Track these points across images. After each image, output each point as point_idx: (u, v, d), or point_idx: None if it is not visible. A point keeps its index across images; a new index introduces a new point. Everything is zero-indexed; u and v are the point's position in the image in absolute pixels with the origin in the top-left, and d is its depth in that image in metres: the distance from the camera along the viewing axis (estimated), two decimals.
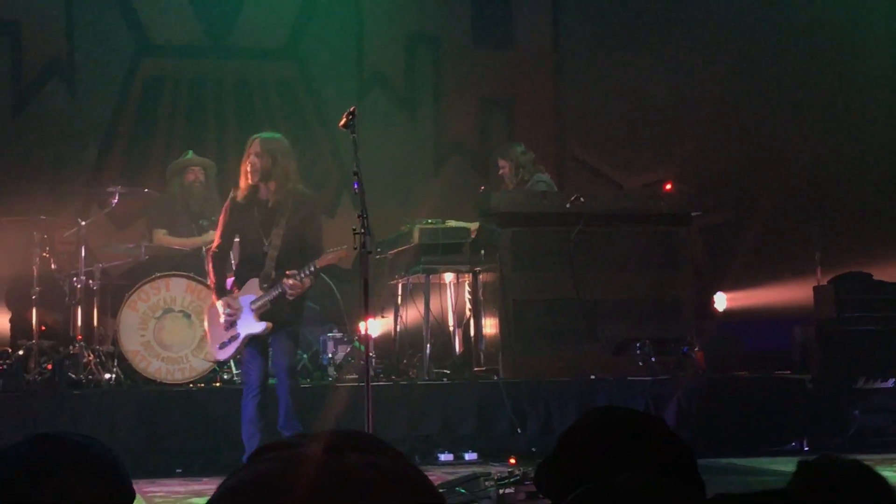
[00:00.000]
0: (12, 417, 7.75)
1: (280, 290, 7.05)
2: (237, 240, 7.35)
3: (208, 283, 8.18)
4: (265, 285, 7.11)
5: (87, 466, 1.87)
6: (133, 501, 1.93)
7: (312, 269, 7.00)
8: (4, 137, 10.63)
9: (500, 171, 9.60)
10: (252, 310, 7.13)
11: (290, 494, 0.99)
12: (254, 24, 11.32)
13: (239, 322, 7.17)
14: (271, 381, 7.35)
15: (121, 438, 7.85)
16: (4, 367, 8.32)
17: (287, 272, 6.98)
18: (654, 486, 1.35)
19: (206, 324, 7.49)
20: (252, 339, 7.15)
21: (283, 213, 7.08)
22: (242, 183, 7.15)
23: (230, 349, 7.25)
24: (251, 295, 7.15)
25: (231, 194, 7.26)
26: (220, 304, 7.16)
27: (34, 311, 8.60)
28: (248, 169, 7.10)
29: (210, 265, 7.26)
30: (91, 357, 8.42)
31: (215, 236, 7.36)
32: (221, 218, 7.29)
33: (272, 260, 7.09)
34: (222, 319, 7.16)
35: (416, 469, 1.06)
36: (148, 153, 10.92)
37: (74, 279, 8.65)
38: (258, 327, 7.17)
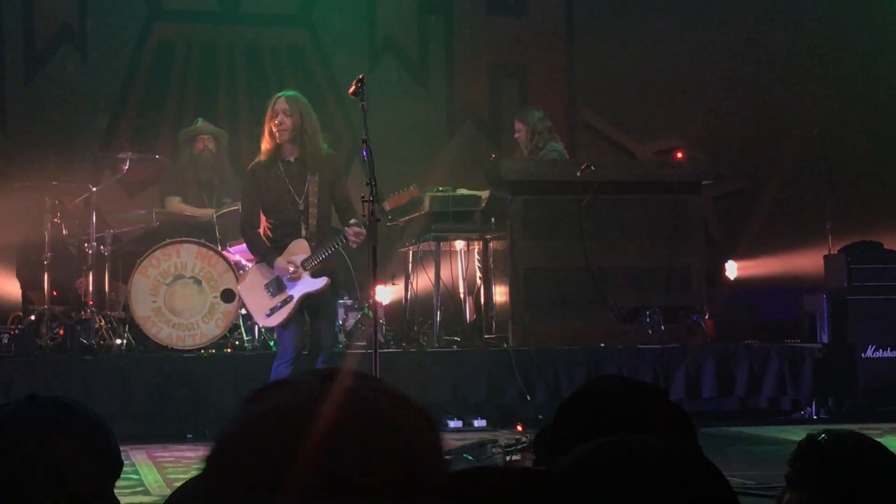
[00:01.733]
0: (24, 382, 7.80)
1: (336, 243, 6.97)
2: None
3: (245, 253, 7.98)
4: (313, 243, 7.03)
5: (73, 427, 1.88)
6: (120, 469, 1.94)
7: (379, 214, 6.79)
8: (17, 104, 10.63)
9: (516, 135, 9.58)
10: (304, 268, 7.03)
11: (313, 419, 1.06)
12: None
13: (289, 284, 7.05)
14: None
15: (131, 404, 7.92)
16: (17, 331, 8.36)
17: (350, 221, 6.92)
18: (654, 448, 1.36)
19: (243, 295, 7.34)
20: (302, 301, 7.06)
21: (314, 170, 7.00)
22: (267, 144, 7.00)
23: (283, 313, 7.06)
24: (300, 255, 7.03)
25: (253, 163, 7.16)
26: (279, 266, 6.98)
27: (46, 276, 8.64)
28: (276, 128, 6.94)
29: (247, 237, 7.22)
30: (102, 323, 8.47)
31: (242, 208, 7.25)
32: (244, 185, 7.23)
33: (314, 217, 7.03)
34: (287, 277, 6.99)
35: (407, 394, 1.14)
36: (159, 120, 10.92)
37: (86, 245, 8.68)
38: (317, 284, 7.04)
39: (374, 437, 1.06)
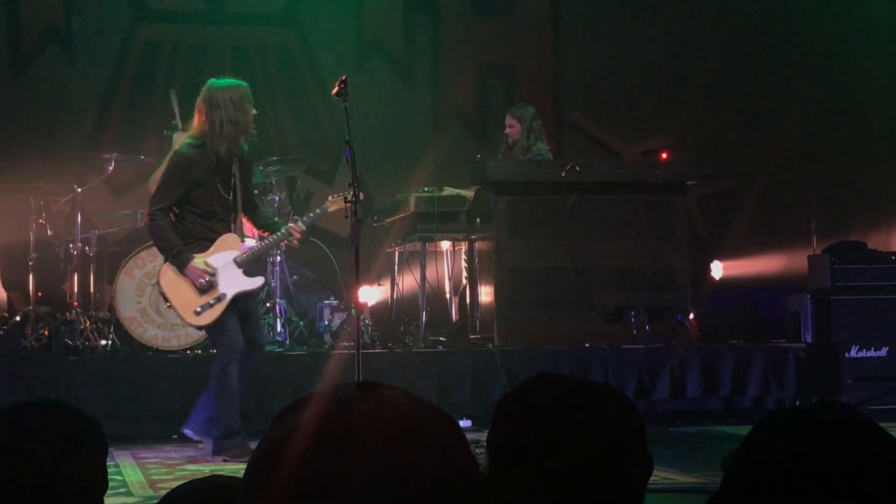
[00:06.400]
0: (9, 383, 7.79)
1: (276, 239, 6.85)
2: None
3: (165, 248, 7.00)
4: (241, 240, 6.85)
5: (98, 439, 1.88)
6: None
7: (319, 212, 6.77)
8: (2, 104, 10.62)
9: (508, 129, 9.53)
10: (238, 265, 6.79)
11: (352, 427, 1.08)
12: None
13: (222, 281, 6.73)
14: None
15: (116, 404, 7.91)
16: (1, 332, 8.36)
17: (290, 219, 6.82)
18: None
19: (166, 290, 6.80)
20: (235, 299, 6.77)
21: (238, 165, 6.78)
22: (212, 133, 6.63)
23: (215, 312, 6.73)
24: (231, 251, 6.78)
25: (187, 147, 6.73)
26: (196, 267, 6.63)
27: (31, 277, 8.64)
28: (249, 123, 6.73)
29: (160, 226, 6.67)
30: (87, 323, 8.47)
31: (162, 194, 6.70)
32: (174, 172, 6.70)
33: (239, 211, 6.84)
34: (202, 281, 6.65)
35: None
36: (145, 120, 10.91)
37: (71, 245, 8.69)
38: (253, 284, 6.86)
39: (421, 456, 1.08)
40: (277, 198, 9.09)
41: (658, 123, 11.66)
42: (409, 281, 9.40)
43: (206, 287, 6.71)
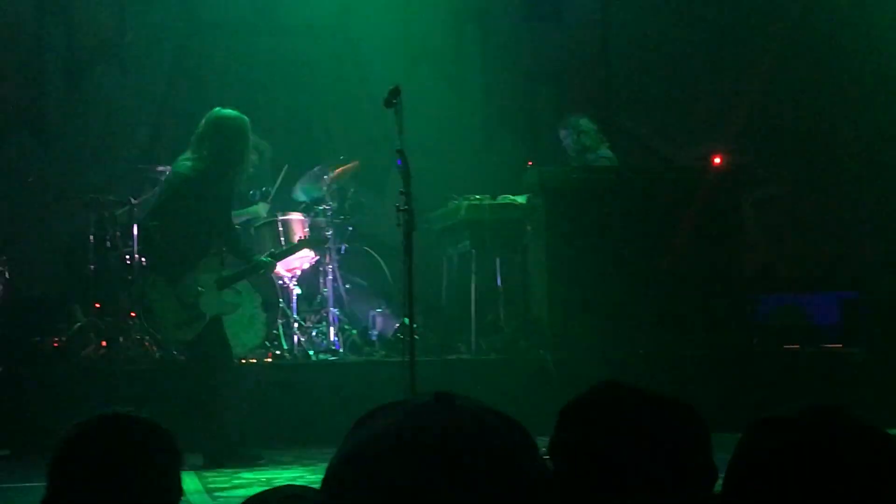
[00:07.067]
0: (68, 393, 7.88)
1: (247, 269, 7.42)
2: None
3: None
4: (231, 262, 7.36)
5: (170, 448, 1.92)
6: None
7: (290, 247, 7.69)
8: (58, 117, 10.76)
9: (564, 142, 9.58)
10: (219, 287, 7.21)
11: (429, 436, 1.11)
12: (302, 0, 11.37)
13: (203, 301, 7.14)
14: None
15: (173, 415, 7.96)
16: (60, 343, 8.45)
17: (264, 259, 7.50)
18: None
19: (151, 303, 7.42)
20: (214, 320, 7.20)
21: (228, 190, 7.29)
22: (221, 165, 7.17)
23: (193, 329, 7.17)
24: (214, 273, 7.22)
25: (192, 167, 7.18)
26: (185, 284, 7.11)
27: (88, 288, 8.72)
28: (249, 154, 7.33)
29: (157, 244, 7.28)
30: (145, 334, 8.53)
31: (159, 213, 7.32)
32: (172, 193, 7.25)
33: (223, 237, 7.35)
34: (188, 298, 7.10)
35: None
36: None
37: (128, 256, 8.76)
38: (229, 308, 7.34)
39: (495, 463, 1.12)
40: (330, 207, 9.16)
41: (710, 128, 11.58)
42: (460, 288, 9.40)
43: (190, 305, 7.07)
